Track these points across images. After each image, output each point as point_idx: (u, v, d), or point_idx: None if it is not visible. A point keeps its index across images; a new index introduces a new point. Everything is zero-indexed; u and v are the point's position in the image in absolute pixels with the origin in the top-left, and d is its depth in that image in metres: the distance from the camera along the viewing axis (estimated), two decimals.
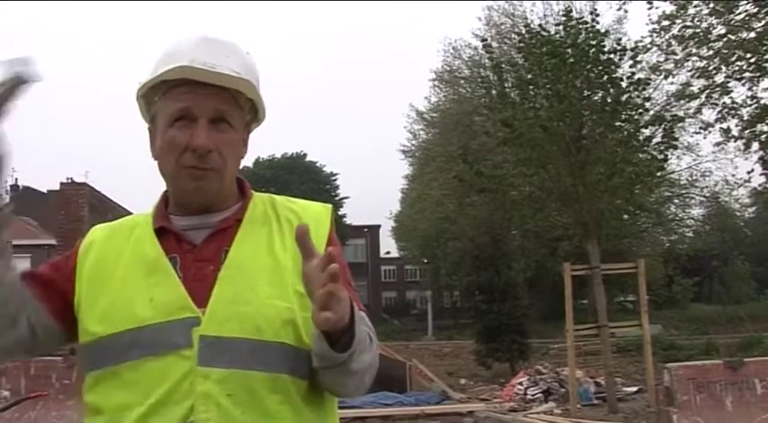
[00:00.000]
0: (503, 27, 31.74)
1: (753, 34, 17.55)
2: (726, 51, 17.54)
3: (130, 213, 1.61)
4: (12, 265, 1.38)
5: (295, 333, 1.32)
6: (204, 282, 1.34)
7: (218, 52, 1.39)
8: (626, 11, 20.84)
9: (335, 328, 1.19)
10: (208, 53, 1.37)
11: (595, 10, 12.83)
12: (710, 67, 18.18)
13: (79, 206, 17.77)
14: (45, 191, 29.58)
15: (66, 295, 1.41)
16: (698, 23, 18.11)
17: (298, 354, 1.32)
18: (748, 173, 19.79)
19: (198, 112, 1.36)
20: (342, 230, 47.63)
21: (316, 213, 1.48)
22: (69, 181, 19.17)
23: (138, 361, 1.30)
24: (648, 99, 14.03)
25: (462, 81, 34.04)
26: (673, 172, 27.54)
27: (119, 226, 1.50)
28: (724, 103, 18.38)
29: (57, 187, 19.73)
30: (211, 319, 1.30)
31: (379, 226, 54.48)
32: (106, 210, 17.97)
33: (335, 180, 49.05)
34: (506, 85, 13.88)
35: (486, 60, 19.55)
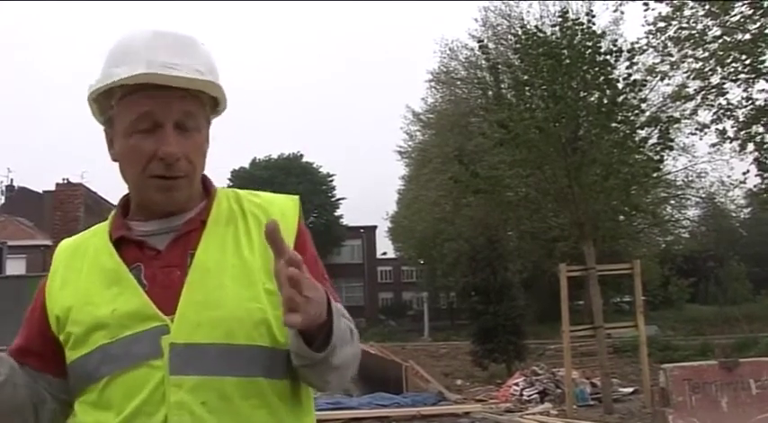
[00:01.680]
0: (499, 28, 31.84)
1: (748, 36, 17.58)
2: (721, 53, 17.57)
3: None
4: None
5: (269, 334, 1.29)
6: (172, 288, 1.29)
7: (175, 49, 1.31)
8: (622, 12, 20.86)
9: (311, 326, 1.15)
10: (165, 52, 1.29)
11: (591, 11, 12.85)
12: (706, 69, 18.22)
13: (75, 207, 17.75)
14: (41, 191, 29.51)
15: (55, 346, 1.36)
16: (693, 25, 18.17)
17: (272, 355, 1.29)
18: (744, 174, 19.84)
19: (162, 118, 1.29)
20: (338, 231, 48.19)
21: (282, 206, 1.43)
22: (65, 182, 19.15)
23: (109, 377, 1.26)
24: (644, 100, 14.05)
25: (459, 82, 34.08)
26: (669, 173, 27.63)
27: (79, 242, 1.45)
28: (719, 104, 18.44)
29: (52, 188, 19.71)
30: (181, 325, 1.26)
31: (375, 227, 54.47)
32: (102, 210, 17.92)
33: (332, 181, 49.12)
34: (503, 86, 13.89)
35: (483, 61, 19.56)
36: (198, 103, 1.34)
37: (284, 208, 1.42)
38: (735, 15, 17.88)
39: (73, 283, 1.36)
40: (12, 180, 34.89)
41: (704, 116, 19.34)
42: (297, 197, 1.47)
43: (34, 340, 1.39)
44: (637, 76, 12.94)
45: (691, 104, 19.38)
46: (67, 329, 1.33)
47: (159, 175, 1.30)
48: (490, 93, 14.91)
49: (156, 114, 1.29)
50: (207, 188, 1.43)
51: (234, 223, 1.38)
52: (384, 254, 56.62)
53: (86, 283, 1.34)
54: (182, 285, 1.29)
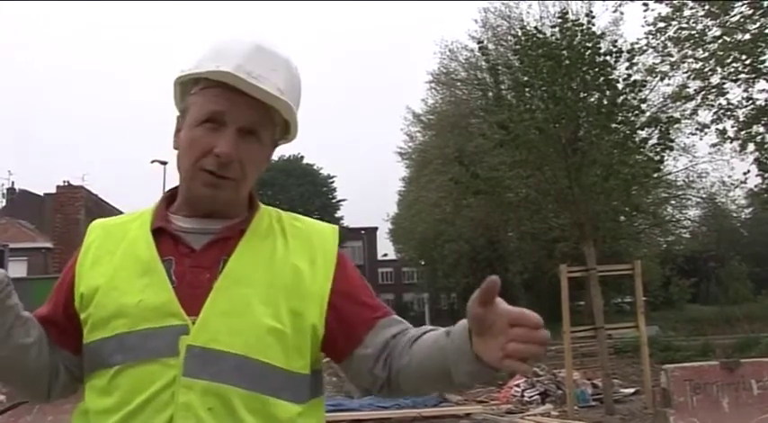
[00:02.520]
0: (499, 29, 31.82)
1: (748, 36, 17.59)
2: (721, 53, 17.58)
3: None
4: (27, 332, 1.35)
5: (284, 354, 1.29)
6: (199, 289, 1.29)
7: (266, 64, 1.35)
8: (622, 13, 20.91)
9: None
10: (257, 63, 1.33)
11: (591, 12, 12.87)
12: (706, 69, 18.23)
13: (75, 209, 17.78)
14: (42, 194, 29.52)
15: (76, 323, 1.37)
16: (693, 25, 18.19)
17: (284, 375, 1.29)
18: (744, 174, 19.88)
19: (229, 119, 1.33)
20: (339, 233, 48.05)
21: (322, 233, 1.46)
22: (66, 184, 19.17)
23: (122, 366, 1.27)
24: (644, 101, 14.04)
25: (459, 83, 34.05)
26: (669, 173, 27.60)
27: (116, 224, 1.46)
28: (720, 104, 18.46)
29: (53, 190, 19.74)
30: (201, 329, 1.26)
31: (376, 228, 54.51)
32: (102, 213, 17.95)
33: (332, 182, 49.16)
34: (502, 87, 13.88)
35: (483, 62, 19.56)
36: (269, 118, 1.37)
37: (324, 236, 1.46)
38: (735, 15, 17.90)
39: (104, 265, 1.37)
40: (13, 183, 34.88)
41: (704, 116, 19.37)
42: (336, 227, 1.51)
43: (58, 313, 1.40)
44: (637, 77, 12.94)
45: (691, 105, 19.40)
46: (90, 310, 1.34)
47: (209, 171, 1.33)
48: (490, 94, 14.92)
49: (224, 114, 1.33)
50: (252, 202, 1.45)
51: (272, 240, 1.39)
52: (385, 255, 56.66)
53: (118, 267, 1.35)
54: (209, 289, 1.29)
